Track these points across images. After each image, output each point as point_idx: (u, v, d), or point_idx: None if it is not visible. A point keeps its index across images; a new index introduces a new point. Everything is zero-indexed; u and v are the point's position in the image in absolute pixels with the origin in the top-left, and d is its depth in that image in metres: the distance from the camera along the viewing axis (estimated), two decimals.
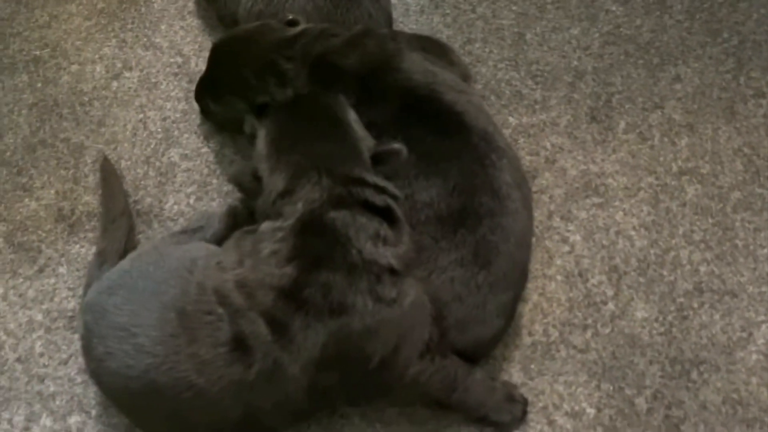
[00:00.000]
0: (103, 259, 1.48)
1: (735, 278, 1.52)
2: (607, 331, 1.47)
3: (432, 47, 1.65)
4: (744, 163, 1.67)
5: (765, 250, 1.56)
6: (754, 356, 1.44)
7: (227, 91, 1.59)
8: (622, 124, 1.74)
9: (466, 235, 1.34)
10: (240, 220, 1.47)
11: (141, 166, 1.71)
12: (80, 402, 1.42)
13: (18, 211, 1.66)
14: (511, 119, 1.75)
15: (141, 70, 1.87)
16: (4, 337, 1.50)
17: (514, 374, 1.42)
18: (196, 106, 1.73)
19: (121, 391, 1.26)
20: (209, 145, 1.74)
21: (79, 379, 1.44)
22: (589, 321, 1.48)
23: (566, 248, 1.57)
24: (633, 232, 1.58)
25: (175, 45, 1.91)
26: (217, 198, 1.65)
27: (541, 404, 1.39)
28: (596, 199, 1.63)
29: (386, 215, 1.24)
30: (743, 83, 1.80)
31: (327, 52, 1.49)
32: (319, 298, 1.16)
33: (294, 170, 1.25)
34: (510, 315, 1.40)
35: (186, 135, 1.76)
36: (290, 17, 1.59)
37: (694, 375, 1.42)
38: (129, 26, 1.95)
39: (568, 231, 1.59)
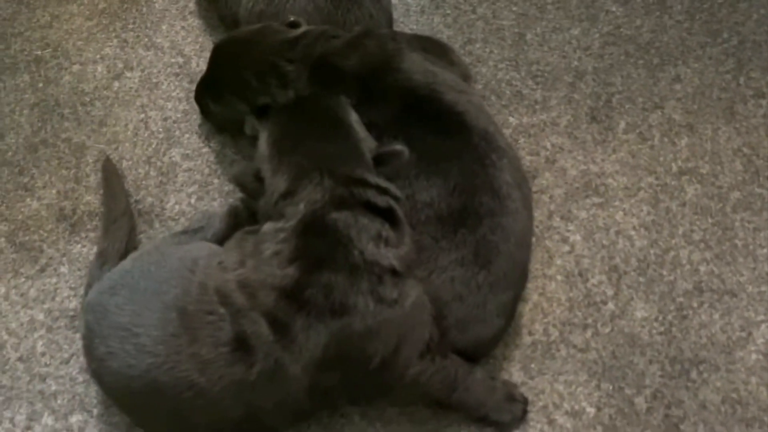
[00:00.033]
0: (105, 259, 1.48)
1: (734, 278, 1.53)
2: (607, 330, 1.47)
3: (432, 47, 1.66)
4: (743, 163, 1.68)
5: (764, 250, 1.56)
6: (754, 356, 1.44)
7: (228, 92, 1.59)
8: (622, 124, 1.74)
9: (467, 235, 1.34)
10: (241, 220, 1.47)
11: (142, 166, 1.71)
12: (82, 401, 1.42)
13: (20, 210, 1.67)
14: (511, 119, 1.75)
15: (142, 70, 1.87)
16: (5, 337, 1.50)
17: (515, 373, 1.43)
18: (197, 106, 1.73)
19: (122, 390, 1.26)
20: (210, 145, 1.74)
21: (80, 379, 1.44)
22: (589, 320, 1.48)
23: (566, 248, 1.57)
24: (633, 232, 1.59)
25: (177, 45, 1.91)
26: (218, 198, 1.66)
27: (541, 403, 1.40)
28: (596, 199, 1.63)
29: (388, 216, 1.24)
30: (743, 83, 1.80)
31: (328, 54, 1.49)
32: (320, 298, 1.16)
33: (296, 171, 1.26)
34: (510, 314, 1.40)
35: (187, 135, 1.76)
36: (292, 19, 1.59)
37: (694, 374, 1.42)
38: (130, 26, 1.96)
39: (568, 231, 1.59)
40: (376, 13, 1.71)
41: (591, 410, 1.39)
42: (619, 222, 1.60)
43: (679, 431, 1.37)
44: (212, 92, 1.65)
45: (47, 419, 1.41)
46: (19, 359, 1.48)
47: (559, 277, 1.53)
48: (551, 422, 1.38)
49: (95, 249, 1.55)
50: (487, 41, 1.88)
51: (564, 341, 1.46)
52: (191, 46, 1.91)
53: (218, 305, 1.20)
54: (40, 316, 1.52)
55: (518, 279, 1.40)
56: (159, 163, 1.72)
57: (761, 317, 1.48)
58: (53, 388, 1.44)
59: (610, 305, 1.50)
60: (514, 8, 1.95)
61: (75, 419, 1.41)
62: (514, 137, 1.71)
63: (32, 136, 1.78)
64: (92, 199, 1.67)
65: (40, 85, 1.86)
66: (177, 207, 1.65)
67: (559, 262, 1.55)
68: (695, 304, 1.50)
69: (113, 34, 1.95)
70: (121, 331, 1.24)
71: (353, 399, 1.33)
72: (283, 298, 1.17)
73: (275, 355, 1.17)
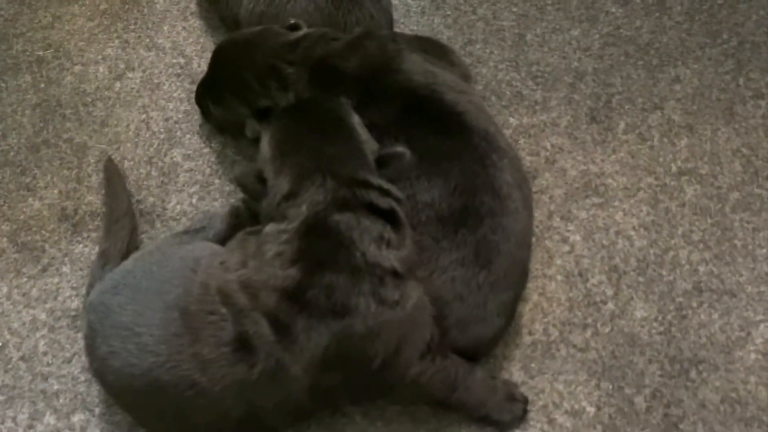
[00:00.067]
0: (106, 260, 1.48)
1: (734, 278, 1.53)
2: (607, 330, 1.48)
3: (432, 48, 1.66)
4: (743, 164, 1.68)
5: (764, 250, 1.56)
6: (753, 355, 1.44)
7: (228, 94, 1.59)
8: (622, 125, 1.75)
9: (467, 235, 1.34)
10: (242, 220, 1.48)
11: (144, 166, 1.72)
12: (84, 400, 1.43)
13: (22, 210, 1.67)
14: (511, 120, 1.75)
15: (144, 71, 1.88)
16: (8, 336, 1.51)
17: (515, 373, 1.43)
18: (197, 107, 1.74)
19: (124, 389, 1.27)
20: (211, 146, 1.75)
21: (82, 378, 1.45)
22: (589, 320, 1.49)
23: (566, 248, 1.57)
24: (632, 232, 1.59)
25: (178, 46, 1.92)
26: (220, 198, 1.66)
27: (541, 403, 1.40)
28: (596, 200, 1.64)
29: (390, 218, 1.25)
30: (742, 84, 1.80)
31: (328, 56, 1.50)
32: (322, 299, 1.17)
33: (299, 172, 1.26)
34: (510, 314, 1.41)
35: (188, 135, 1.76)
36: (292, 21, 1.59)
37: (693, 374, 1.43)
38: (132, 27, 1.96)
39: (568, 231, 1.60)
40: (377, 14, 1.71)
41: (591, 409, 1.40)
42: (619, 222, 1.60)
43: (679, 430, 1.37)
44: (213, 94, 1.66)
45: (49, 418, 1.41)
46: (22, 358, 1.48)
47: (559, 277, 1.54)
48: (551, 421, 1.39)
49: (97, 249, 1.56)
50: (487, 42, 1.89)
51: (564, 341, 1.46)
52: (192, 47, 1.91)
53: (220, 305, 1.20)
54: (42, 316, 1.53)
55: (518, 279, 1.41)
56: (160, 164, 1.72)
57: (760, 317, 1.49)
58: (55, 387, 1.45)
59: (610, 305, 1.50)
60: (515, 9, 1.95)
61: (77, 418, 1.41)
62: (514, 138, 1.71)
63: (34, 136, 1.78)
64: (94, 199, 1.67)
65: (42, 85, 1.87)
66: (178, 207, 1.65)
67: (559, 262, 1.56)
68: (694, 304, 1.50)
69: (115, 35, 1.95)
70: (123, 330, 1.25)
71: (354, 399, 1.33)
72: (284, 299, 1.17)
73: (277, 356, 1.17)
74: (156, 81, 1.86)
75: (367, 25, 1.66)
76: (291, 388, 1.19)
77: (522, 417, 1.38)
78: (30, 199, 1.69)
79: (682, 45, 1.88)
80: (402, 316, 1.21)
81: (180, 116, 1.79)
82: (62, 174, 1.72)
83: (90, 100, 1.84)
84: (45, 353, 1.48)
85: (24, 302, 1.55)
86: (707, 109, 1.77)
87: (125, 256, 1.47)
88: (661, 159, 1.69)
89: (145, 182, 1.69)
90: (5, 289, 1.57)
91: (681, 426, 1.37)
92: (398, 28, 1.89)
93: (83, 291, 1.51)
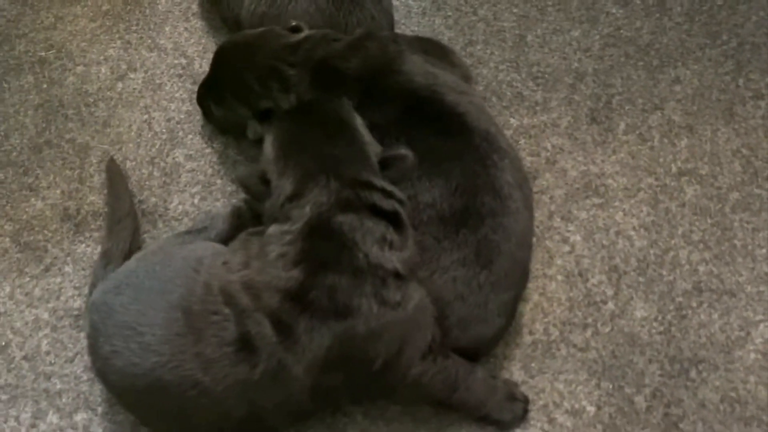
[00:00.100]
0: (109, 259, 1.49)
1: (733, 278, 1.53)
2: (607, 330, 1.48)
3: (433, 49, 1.66)
4: (742, 164, 1.68)
5: (763, 250, 1.57)
6: (752, 355, 1.45)
7: (230, 96, 1.60)
8: (622, 126, 1.75)
9: (468, 235, 1.35)
10: (244, 220, 1.48)
11: (146, 167, 1.72)
12: (86, 399, 1.44)
13: (24, 210, 1.68)
14: (512, 120, 1.76)
15: (145, 72, 1.88)
16: (11, 336, 1.51)
17: (515, 372, 1.44)
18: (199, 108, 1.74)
19: (127, 388, 1.27)
20: (213, 146, 1.75)
21: (85, 377, 1.46)
22: (589, 320, 1.49)
23: (566, 248, 1.58)
24: (633, 233, 1.60)
25: (180, 46, 1.92)
26: (221, 198, 1.67)
27: (541, 402, 1.41)
28: (596, 200, 1.64)
29: (392, 219, 1.25)
30: (742, 85, 1.81)
31: (329, 57, 1.50)
32: (324, 300, 1.17)
33: (303, 173, 1.26)
34: (511, 314, 1.41)
35: (190, 136, 1.77)
36: (294, 23, 1.59)
37: (693, 374, 1.43)
38: (133, 28, 1.97)
39: (569, 231, 1.60)
40: (378, 15, 1.72)
41: (591, 409, 1.40)
42: (619, 222, 1.61)
43: (679, 430, 1.37)
44: (214, 95, 1.66)
45: (52, 417, 1.42)
46: (24, 358, 1.49)
47: (559, 277, 1.54)
48: (551, 421, 1.39)
49: (99, 249, 1.56)
50: (488, 43, 1.89)
51: (564, 340, 1.47)
52: (194, 48, 1.92)
53: (223, 305, 1.21)
54: (45, 315, 1.53)
55: (519, 279, 1.41)
56: (162, 164, 1.73)
57: (760, 317, 1.49)
58: (58, 386, 1.45)
59: (610, 305, 1.51)
60: (515, 10, 1.96)
61: (80, 417, 1.42)
62: (514, 138, 1.72)
63: (36, 136, 1.79)
64: (96, 200, 1.68)
65: (44, 86, 1.87)
66: (180, 207, 1.66)
67: (559, 262, 1.56)
68: (694, 304, 1.51)
69: (117, 36, 1.95)
70: (126, 330, 1.25)
71: (355, 399, 1.34)
72: (287, 299, 1.18)
73: (279, 356, 1.17)
74: (158, 81, 1.86)
75: (368, 26, 1.66)
76: (292, 389, 1.20)
77: (522, 416, 1.38)
78: (32, 199, 1.69)
79: (682, 46, 1.88)
80: (404, 317, 1.21)
81: (182, 117, 1.80)
82: (65, 174, 1.72)
83: (92, 100, 1.84)
84: (48, 353, 1.49)
85: (27, 302, 1.55)
86: (707, 110, 1.77)
87: (127, 256, 1.48)
88: (661, 159, 1.70)
89: (147, 182, 1.70)
90: (8, 289, 1.57)
91: (681, 425, 1.38)
92: (399, 29, 1.89)
93: (86, 291, 1.52)
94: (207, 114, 1.72)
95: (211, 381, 1.19)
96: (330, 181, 1.24)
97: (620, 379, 1.43)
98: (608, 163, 1.69)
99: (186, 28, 1.96)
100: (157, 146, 1.75)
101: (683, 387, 1.42)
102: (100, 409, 1.42)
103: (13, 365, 1.48)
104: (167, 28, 1.96)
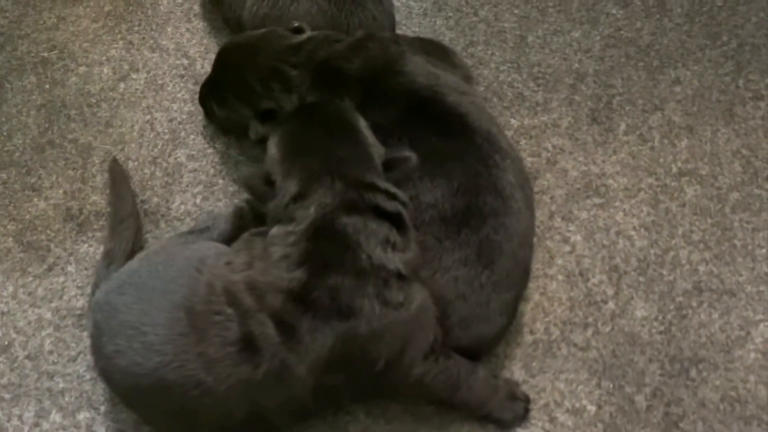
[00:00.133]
0: (111, 259, 1.49)
1: (733, 278, 1.54)
2: (608, 329, 1.49)
3: (434, 50, 1.67)
4: (742, 165, 1.69)
5: (763, 250, 1.57)
6: (752, 355, 1.45)
7: (231, 96, 1.60)
8: (623, 126, 1.76)
9: (470, 235, 1.35)
10: (246, 220, 1.48)
11: (148, 167, 1.73)
12: (89, 398, 1.44)
13: (27, 210, 1.68)
14: (513, 121, 1.76)
15: (148, 72, 1.89)
16: (14, 335, 1.52)
17: (516, 372, 1.44)
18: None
19: (129, 388, 1.27)
20: (215, 146, 1.75)
21: (87, 376, 1.46)
22: (590, 320, 1.50)
23: (567, 248, 1.58)
24: (633, 233, 1.60)
25: (181, 47, 1.93)
26: (224, 198, 1.67)
27: (542, 402, 1.41)
28: (597, 200, 1.65)
29: (395, 221, 1.25)
30: (742, 86, 1.81)
31: (331, 58, 1.51)
32: (327, 301, 1.18)
33: (307, 174, 1.26)
34: (512, 313, 1.41)
35: (192, 136, 1.77)
36: (296, 24, 1.60)
37: (693, 373, 1.44)
38: (136, 28, 1.97)
39: (569, 231, 1.61)
40: (380, 16, 1.72)
41: (592, 408, 1.41)
42: (620, 222, 1.61)
43: (679, 429, 1.38)
44: (216, 95, 1.66)
45: (55, 416, 1.42)
46: (27, 357, 1.49)
47: (560, 277, 1.55)
48: (552, 420, 1.39)
49: (102, 249, 1.56)
50: (489, 44, 1.90)
51: (565, 340, 1.47)
52: (196, 48, 1.92)
53: (226, 305, 1.21)
54: (48, 315, 1.54)
55: (520, 278, 1.42)
56: (164, 164, 1.73)
57: (760, 316, 1.50)
58: (61, 385, 1.46)
59: (611, 304, 1.51)
60: (516, 11, 1.96)
61: (82, 416, 1.42)
62: (515, 138, 1.72)
63: (39, 136, 1.79)
64: (99, 200, 1.68)
65: (47, 86, 1.88)
66: (182, 207, 1.66)
67: (560, 261, 1.57)
68: (695, 304, 1.51)
69: (119, 36, 1.96)
70: (129, 329, 1.25)
71: (357, 399, 1.34)
72: (290, 300, 1.18)
73: (281, 356, 1.18)
74: (160, 82, 1.87)
75: (370, 27, 1.67)
76: (295, 388, 1.20)
77: (523, 416, 1.39)
78: (35, 199, 1.70)
79: (682, 47, 1.88)
80: (406, 318, 1.22)
81: (184, 117, 1.80)
82: (67, 174, 1.73)
83: (94, 100, 1.85)
84: (50, 352, 1.49)
85: (29, 301, 1.56)
86: (707, 111, 1.78)
87: (130, 255, 1.48)
88: (661, 160, 1.70)
89: (149, 182, 1.70)
90: (11, 289, 1.58)
91: (681, 424, 1.38)
92: (400, 30, 1.89)
93: (88, 290, 1.52)
94: (209, 114, 1.73)
95: (213, 381, 1.19)
96: (335, 183, 1.24)
97: (621, 378, 1.43)
98: (609, 163, 1.70)
99: (188, 29, 1.96)
100: (159, 146, 1.76)
101: (683, 386, 1.42)
102: (102, 408, 1.43)
103: (16, 364, 1.48)
104: (169, 29, 1.96)
